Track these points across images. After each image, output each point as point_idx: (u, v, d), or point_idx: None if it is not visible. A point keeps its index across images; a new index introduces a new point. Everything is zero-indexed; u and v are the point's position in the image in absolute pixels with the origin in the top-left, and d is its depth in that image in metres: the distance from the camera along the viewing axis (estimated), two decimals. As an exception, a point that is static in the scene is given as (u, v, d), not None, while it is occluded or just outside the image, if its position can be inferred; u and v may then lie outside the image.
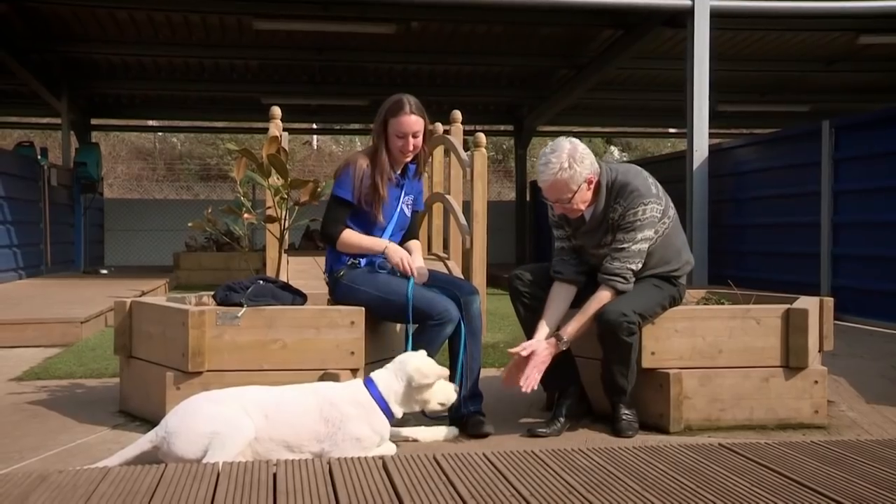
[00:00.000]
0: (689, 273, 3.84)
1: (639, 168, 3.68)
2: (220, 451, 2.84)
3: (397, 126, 3.72)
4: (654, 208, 3.56)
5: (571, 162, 3.45)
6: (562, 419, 3.58)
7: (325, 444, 3.01)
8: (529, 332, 3.66)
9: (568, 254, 3.73)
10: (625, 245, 3.54)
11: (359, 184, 3.75)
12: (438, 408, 3.32)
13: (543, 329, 3.57)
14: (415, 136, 3.75)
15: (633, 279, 3.56)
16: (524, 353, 3.50)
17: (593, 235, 3.64)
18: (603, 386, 3.61)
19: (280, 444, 2.99)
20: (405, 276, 3.68)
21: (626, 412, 3.58)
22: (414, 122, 3.72)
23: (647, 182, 3.59)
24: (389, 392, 3.17)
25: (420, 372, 3.22)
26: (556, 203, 3.58)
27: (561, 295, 3.66)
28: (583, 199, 3.55)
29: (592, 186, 3.55)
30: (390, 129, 3.74)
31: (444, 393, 3.30)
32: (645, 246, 3.56)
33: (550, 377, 3.69)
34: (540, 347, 3.50)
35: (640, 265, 3.57)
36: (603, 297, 3.54)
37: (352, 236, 3.77)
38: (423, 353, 3.36)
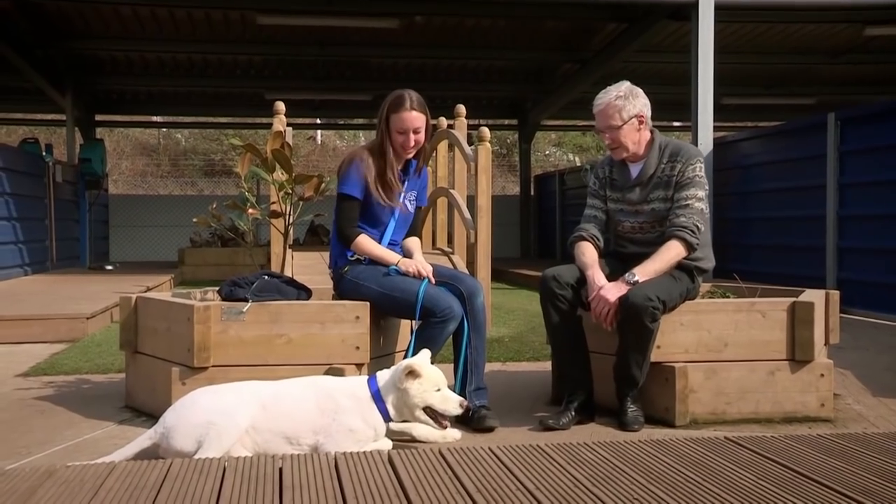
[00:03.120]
0: (704, 273, 3.84)
1: None
2: (216, 441, 2.85)
3: (398, 122, 3.70)
4: (703, 169, 3.72)
5: (628, 94, 3.73)
6: (572, 413, 3.57)
7: (320, 436, 2.99)
8: (556, 336, 3.67)
9: (598, 222, 3.86)
10: (689, 202, 3.66)
11: (371, 178, 3.73)
12: (424, 419, 3.09)
13: (600, 271, 3.62)
14: (416, 133, 3.72)
15: (698, 240, 3.63)
16: (592, 296, 3.53)
17: (640, 191, 3.74)
18: (614, 377, 3.59)
19: (278, 436, 2.98)
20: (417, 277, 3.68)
21: (633, 406, 3.57)
22: (415, 118, 3.70)
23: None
24: (387, 391, 3.09)
25: (406, 368, 3.03)
26: (605, 131, 3.74)
27: (592, 250, 3.74)
28: (631, 139, 3.73)
29: (642, 128, 3.74)
30: (392, 125, 3.72)
31: (443, 403, 3.07)
32: (704, 206, 3.69)
33: (567, 378, 3.70)
34: (607, 285, 3.53)
35: (703, 228, 3.66)
36: (673, 245, 3.60)
37: (367, 243, 3.76)
38: (426, 354, 3.19)
